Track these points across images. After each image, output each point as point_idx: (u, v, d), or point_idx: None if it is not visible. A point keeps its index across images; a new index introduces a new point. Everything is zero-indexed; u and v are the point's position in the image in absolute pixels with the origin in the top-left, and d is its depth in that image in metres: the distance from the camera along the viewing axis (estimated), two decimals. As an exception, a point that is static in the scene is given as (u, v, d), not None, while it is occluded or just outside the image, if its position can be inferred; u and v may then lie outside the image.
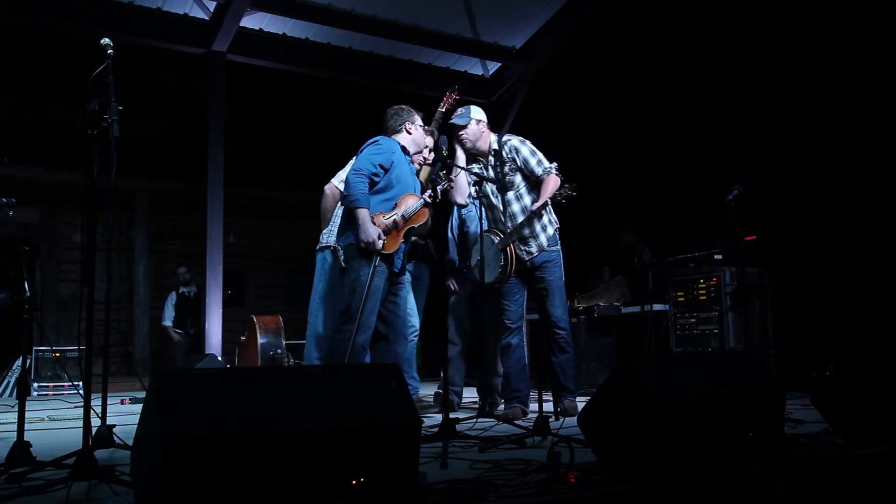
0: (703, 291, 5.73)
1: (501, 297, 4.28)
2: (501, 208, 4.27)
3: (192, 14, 7.13)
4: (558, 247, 4.32)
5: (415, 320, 4.70)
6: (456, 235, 5.02)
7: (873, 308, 5.32)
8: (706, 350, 5.62)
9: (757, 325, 5.62)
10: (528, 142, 4.28)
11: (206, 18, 7.13)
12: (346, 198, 3.89)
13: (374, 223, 3.83)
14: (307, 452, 1.86)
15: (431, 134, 4.48)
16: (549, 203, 4.08)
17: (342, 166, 4.76)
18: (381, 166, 3.94)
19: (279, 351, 5.92)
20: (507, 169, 4.23)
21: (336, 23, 7.47)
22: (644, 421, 2.27)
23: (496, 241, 4.21)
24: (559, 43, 8.05)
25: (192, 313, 8.76)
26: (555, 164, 4.19)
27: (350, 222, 3.87)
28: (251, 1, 6.76)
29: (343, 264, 3.85)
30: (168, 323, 9.07)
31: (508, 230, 4.22)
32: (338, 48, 7.96)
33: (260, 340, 6.00)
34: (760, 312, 5.68)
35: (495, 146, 4.27)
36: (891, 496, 2.35)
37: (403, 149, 4.14)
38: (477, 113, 4.30)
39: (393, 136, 4.16)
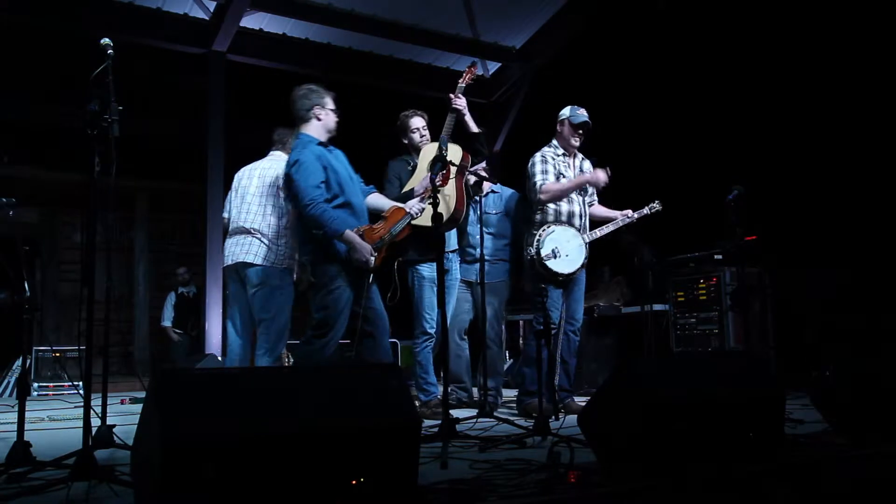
0: (703, 291, 5.73)
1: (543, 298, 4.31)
2: (581, 208, 4.53)
3: (192, 14, 7.13)
4: None
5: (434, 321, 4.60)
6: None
7: (873, 308, 5.31)
8: (706, 350, 5.62)
9: (757, 325, 5.62)
10: None
11: (206, 18, 7.13)
12: (323, 232, 3.66)
13: (365, 239, 3.73)
14: (307, 452, 1.86)
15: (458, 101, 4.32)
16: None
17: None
18: (324, 182, 3.72)
19: (279, 351, 5.91)
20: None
21: (336, 23, 7.47)
22: (644, 421, 2.27)
23: (583, 235, 4.45)
24: (559, 43, 8.05)
25: (191, 314, 8.73)
26: None
27: (313, 241, 3.73)
28: (251, 1, 6.76)
29: (312, 279, 3.75)
30: (167, 323, 9.01)
31: (589, 228, 4.54)
32: (338, 48, 7.96)
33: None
34: (760, 312, 5.68)
35: (581, 155, 4.63)
36: (891, 496, 2.35)
37: (322, 144, 3.86)
38: None
39: (302, 129, 3.87)
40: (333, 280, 3.71)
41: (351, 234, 3.68)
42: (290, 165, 3.77)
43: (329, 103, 3.91)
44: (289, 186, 3.81)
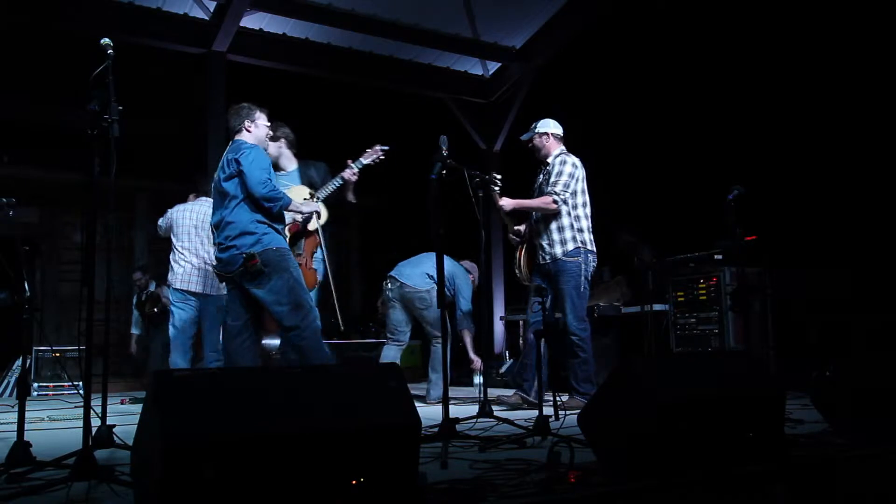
0: (703, 291, 5.73)
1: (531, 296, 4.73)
2: (530, 216, 4.69)
3: (192, 14, 7.13)
4: (578, 259, 4.55)
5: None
6: None
7: (873, 308, 5.31)
8: (706, 350, 5.62)
9: (757, 325, 5.62)
10: (569, 165, 4.58)
11: (206, 18, 7.13)
12: (275, 201, 3.88)
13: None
14: (307, 452, 1.86)
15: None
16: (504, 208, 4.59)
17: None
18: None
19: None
20: (542, 178, 4.62)
21: (336, 23, 7.47)
22: (644, 421, 2.27)
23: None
24: (559, 43, 8.05)
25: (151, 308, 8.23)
26: (561, 196, 4.52)
27: (253, 231, 3.85)
28: (251, 1, 6.77)
29: (263, 269, 3.79)
30: (135, 331, 8.13)
31: (541, 223, 4.64)
32: (338, 48, 7.96)
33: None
34: (760, 312, 5.68)
35: (550, 158, 4.65)
36: (891, 496, 2.35)
37: None
38: (541, 126, 4.69)
39: (237, 138, 4.09)
40: (285, 259, 3.89)
41: (296, 201, 4.18)
42: (238, 151, 3.92)
43: (260, 119, 4.13)
44: (235, 169, 3.91)
